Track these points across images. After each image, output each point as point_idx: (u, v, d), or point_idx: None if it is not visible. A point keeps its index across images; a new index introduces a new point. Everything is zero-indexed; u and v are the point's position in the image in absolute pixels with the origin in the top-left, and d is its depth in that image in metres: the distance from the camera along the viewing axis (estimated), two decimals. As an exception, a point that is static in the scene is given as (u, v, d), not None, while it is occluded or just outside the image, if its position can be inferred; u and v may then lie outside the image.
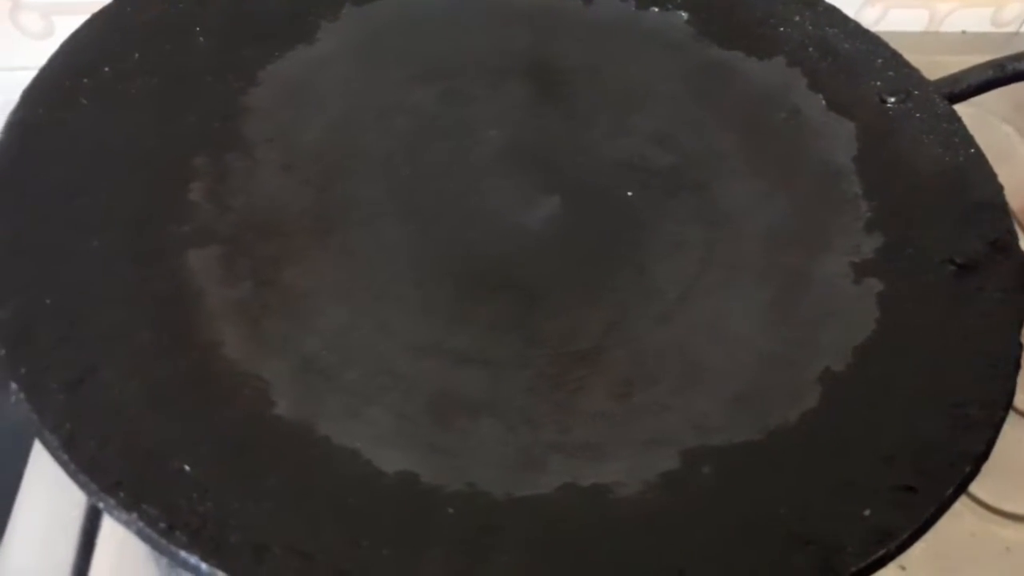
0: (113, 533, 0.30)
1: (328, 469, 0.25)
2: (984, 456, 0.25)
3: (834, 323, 0.30)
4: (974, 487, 0.26)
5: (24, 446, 0.34)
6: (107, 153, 0.30)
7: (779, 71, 0.38)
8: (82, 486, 0.22)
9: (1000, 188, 0.33)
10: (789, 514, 0.24)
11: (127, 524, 0.21)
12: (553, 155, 0.35)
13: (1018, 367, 0.28)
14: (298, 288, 0.29)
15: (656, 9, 0.40)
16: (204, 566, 0.21)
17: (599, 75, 0.38)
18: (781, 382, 0.28)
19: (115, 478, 0.22)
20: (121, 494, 0.22)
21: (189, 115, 0.32)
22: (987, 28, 0.54)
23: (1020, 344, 0.28)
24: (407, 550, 0.23)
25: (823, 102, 0.37)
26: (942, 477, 0.25)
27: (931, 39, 0.53)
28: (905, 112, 0.36)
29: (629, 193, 0.34)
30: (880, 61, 0.38)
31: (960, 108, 0.36)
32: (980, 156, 0.34)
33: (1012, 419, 0.27)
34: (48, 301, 0.26)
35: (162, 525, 0.22)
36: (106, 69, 0.32)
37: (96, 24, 0.33)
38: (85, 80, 0.32)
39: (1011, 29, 0.54)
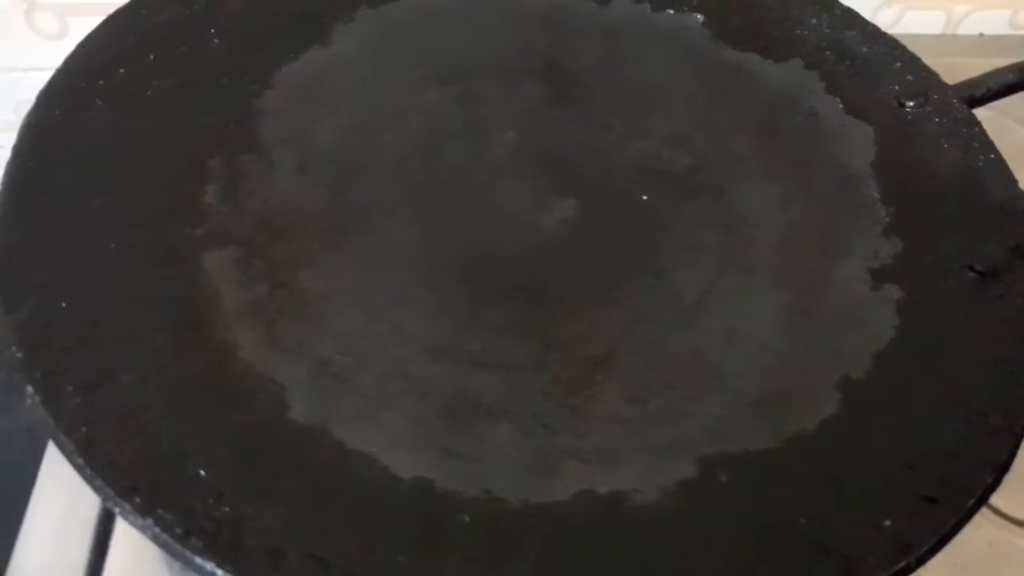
0: (127, 534, 0.30)
1: (344, 474, 0.24)
2: (1006, 466, 0.25)
3: (853, 329, 0.30)
4: (993, 496, 0.26)
5: (37, 447, 0.34)
6: (122, 155, 0.30)
7: (796, 74, 0.38)
8: (98, 491, 0.22)
9: (1020, 194, 0.33)
10: (809, 523, 0.24)
11: (143, 530, 0.21)
12: (568, 157, 0.35)
13: (1040, 375, 0.27)
14: (313, 290, 0.29)
15: (672, 11, 0.40)
16: (220, 572, 0.21)
17: (614, 77, 0.38)
18: (799, 389, 0.28)
19: (131, 483, 0.22)
20: (137, 499, 0.22)
21: (204, 117, 0.32)
22: (1005, 30, 0.53)
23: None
24: (423, 557, 0.23)
25: (840, 105, 0.37)
26: (963, 487, 0.25)
27: (948, 41, 0.52)
28: (924, 116, 0.36)
29: (645, 196, 0.34)
30: (898, 65, 0.37)
31: (979, 112, 0.36)
32: (1000, 161, 0.34)
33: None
34: (64, 304, 0.26)
35: (178, 531, 0.22)
36: (121, 71, 0.32)
37: (111, 26, 0.33)
38: (101, 82, 0.32)
39: (1029, 32, 0.54)
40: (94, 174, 0.29)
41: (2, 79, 0.46)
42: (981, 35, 0.53)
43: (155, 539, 0.21)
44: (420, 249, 0.31)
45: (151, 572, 0.30)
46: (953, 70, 0.38)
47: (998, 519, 0.35)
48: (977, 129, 0.35)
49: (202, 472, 0.23)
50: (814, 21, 0.39)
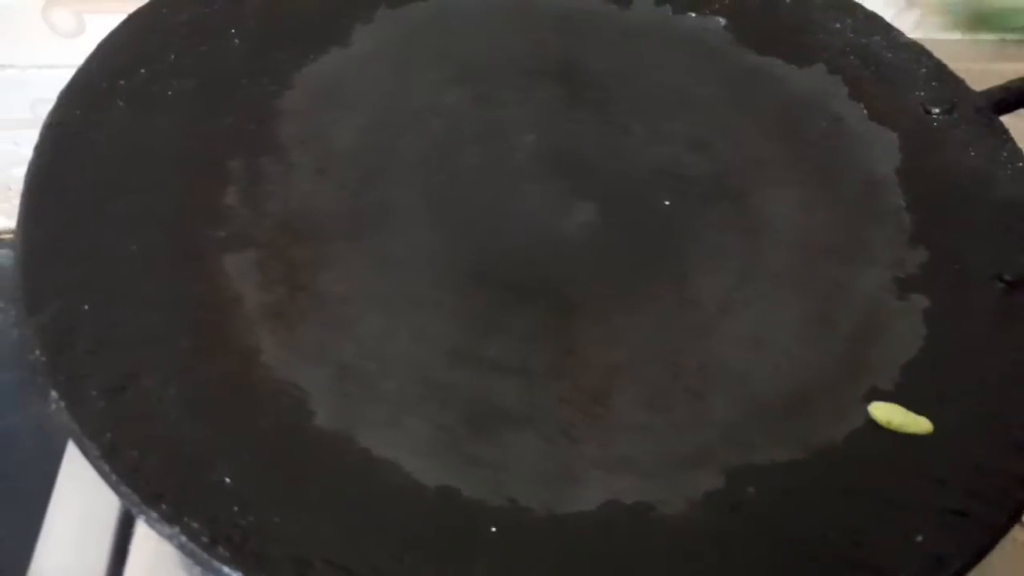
0: (147, 538, 0.30)
1: (369, 481, 0.24)
2: (1039, 480, 0.25)
3: (880, 339, 0.29)
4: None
5: (52, 444, 0.34)
6: (143, 155, 0.30)
7: (819, 79, 0.38)
8: (123, 497, 0.22)
9: (1049, 203, 0.33)
10: (838, 537, 0.24)
11: (169, 538, 0.21)
12: (589, 160, 0.35)
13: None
14: (334, 294, 0.29)
15: (693, 14, 0.39)
16: (245, 581, 0.21)
17: (635, 80, 0.37)
18: (826, 399, 0.28)
19: (157, 489, 0.22)
20: (163, 506, 0.22)
21: (224, 117, 0.32)
22: (1025, 35, 0.53)
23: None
24: (450, 567, 0.23)
25: (864, 111, 0.36)
26: (995, 502, 0.24)
27: (968, 46, 0.52)
28: (950, 123, 0.36)
29: (667, 201, 0.34)
30: (923, 71, 0.37)
31: (1006, 119, 0.36)
32: (1028, 169, 0.34)
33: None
34: (86, 306, 0.26)
35: (204, 539, 0.21)
36: (142, 71, 0.32)
37: (132, 26, 0.33)
38: (121, 82, 0.31)
39: (1050, 37, 0.53)
40: (115, 175, 0.29)
41: (18, 76, 0.46)
42: (1003, 40, 0.52)
43: (181, 547, 0.21)
44: (440, 252, 0.31)
45: (169, 576, 0.30)
46: (974, 75, 0.38)
47: None
48: (1004, 137, 0.35)
49: (227, 479, 0.23)
50: (837, 26, 0.39)
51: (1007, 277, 0.30)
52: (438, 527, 0.24)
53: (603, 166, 0.35)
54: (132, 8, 0.34)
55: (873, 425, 0.27)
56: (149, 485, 0.22)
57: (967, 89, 0.36)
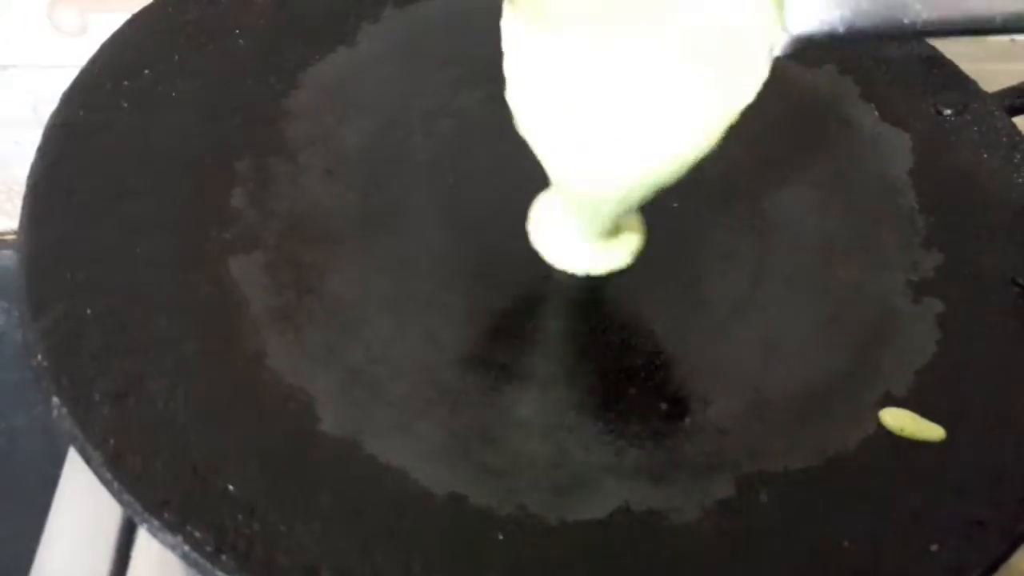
0: (150, 542, 0.29)
1: (377, 489, 0.24)
2: (1057, 488, 0.24)
3: (893, 344, 0.29)
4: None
5: (55, 445, 0.33)
6: (148, 157, 0.30)
7: (830, 79, 0.37)
8: (126, 505, 0.21)
9: (1064, 206, 0.32)
10: (853, 546, 0.23)
11: (172, 547, 0.21)
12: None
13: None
14: (342, 297, 0.28)
15: (703, 14, 0.39)
16: (252, 591, 0.21)
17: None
18: (839, 405, 0.27)
19: (161, 497, 0.22)
20: (166, 514, 0.21)
21: (230, 118, 0.32)
22: (1036, 36, 0.52)
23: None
24: (459, 575, 0.22)
25: (876, 112, 0.36)
26: (1012, 510, 0.24)
27: (979, 46, 0.51)
28: (962, 125, 0.35)
29: (675, 204, 0.33)
30: (936, 72, 0.37)
31: (1019, 121, 0.35)
32: (1042, 172, 0.33)
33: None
34: (90, 310, 0.25)
35: (208, 548, 0.21)
36: (147, 71, 0.32)
37: (136, 25, 0.33)
38: (125, 82, 0.31)
39: (1061, 37, 0.53)
40: (120, 176, 0.29)
41: (21, 75, 0.46)
42: (1012, 40, 0.52)
43: (184, 557, 0.21)
44: (450, 254, 0.31)
45: (173, 582, 0.30)
46: (984, 75, 0.37)
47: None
48: (1018, 138, 0.34)
49: (232, 486, 0.23)
50: (848, 25, 0.39)
51: (1021, 281, 0.30)
52: (447, 534, 0.23)
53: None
54: (136, 8, 0.34)
55: (887, 432, 0.27)
56: (153, 493, 0.22)
57: (979, 90, 0.36)
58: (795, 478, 0.25)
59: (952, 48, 0.38)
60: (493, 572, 0.23)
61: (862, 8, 0.24)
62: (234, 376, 0.25)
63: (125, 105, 0.31)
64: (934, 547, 0.23)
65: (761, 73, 0.26)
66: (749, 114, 0.36)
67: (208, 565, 0.21)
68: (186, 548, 0.21)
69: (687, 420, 0.27)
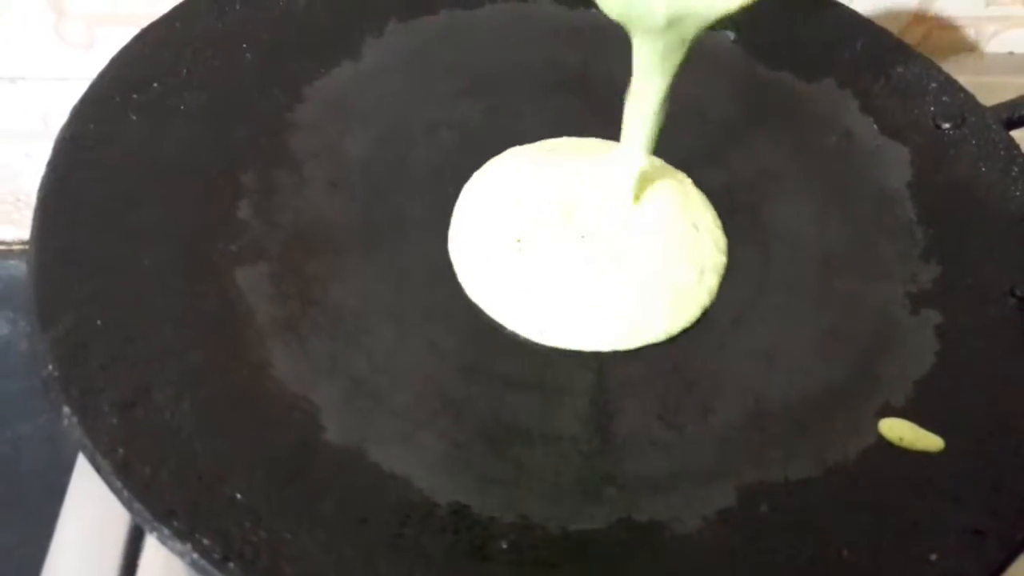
0: (157, 550, 0.30)
1: (380, 498, 0.24)
2: (1055, 498, 0.25)
3: (892, 355, 0.29)
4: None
5: (60, 453, 0.34)
6: (156, 169, 0.30)
7: (829, 93, 0.38)
8: (135, 514, 0.22)
9: (1061, 218, 0.32)
10: (853, 556, 0.24)
11: (181, 554, 0.21)
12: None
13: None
14: (346, 307, 0.29)
15: (703, 28, 0.39)
16: (259, 598, 0.21)
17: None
18: (839, 415, 0.28)
19: (169, 506, 0.22)
20: (175, 523, 0.22)
21: (237, 131, 0.32)
22: (1034, 49, 0.53)
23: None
24: (462, 584, 0.23)
25: (875, 126, 0.36)
26: (1011, 520, 0.24)
27: (977, 60, 0.52)
28: (960, 138, 0.35)
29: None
30: (934, 85, 0.37)
31: (1016, 134, 0.36)
32: (1039, 184, 0.33)
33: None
34: (99, 321, 0.26)
35: (216, 556, 0.21)
36: (155, 84, 0.32)
37: (145, 39, 0.33)
38: (134, 95, 0.31)
39: (1059, 50, 0.53)
40: (128, 188, 0.29)
41: (29, 88, 0.47)
42: (1011, 54, 0.52)
43: (193, 564, 0.21)
44: (452, 264, 0.31)
45: (179, 589, 0.30)
46: (982, 89, 0.38)
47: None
48: (1016, 152, 0.34)
49: (239, 495, 0.23)
50: (847, 40, 0.39)
51: (1019, 292, 0.30)
52: (451, 545, 0.23)
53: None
54: (143, 22, 0.34)
55: (886, 442, 0.27)
56: (161, 501, 0.22)
57: (977, 103, 0.36)
58: (795, 488, 0.26)
59: (951, 62, 0.39)
60: (496, 580, 0.23)
61: None
62: (240, 386, 0.26)
63: (134, 118, 0.31)
64: (933, 556, 0.23)
65: None
66: (749, 127, 0.37)
67: (216, 572, 0.21)
68: (195, 556, 0.21)
69: (688, 430, 0.27)
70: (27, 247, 0.27)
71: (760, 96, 0.38)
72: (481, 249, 0.30)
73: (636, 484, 0.26)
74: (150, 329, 0.26)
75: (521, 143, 0.35)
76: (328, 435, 0.25)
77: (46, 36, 0.45)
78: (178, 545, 0.21)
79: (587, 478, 0.26)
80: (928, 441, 0.27)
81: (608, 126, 0.36)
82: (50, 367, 0.24)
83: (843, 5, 0.40)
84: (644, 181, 0.32)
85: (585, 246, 0.30)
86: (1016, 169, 0.34)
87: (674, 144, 0.35)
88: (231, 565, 0.21)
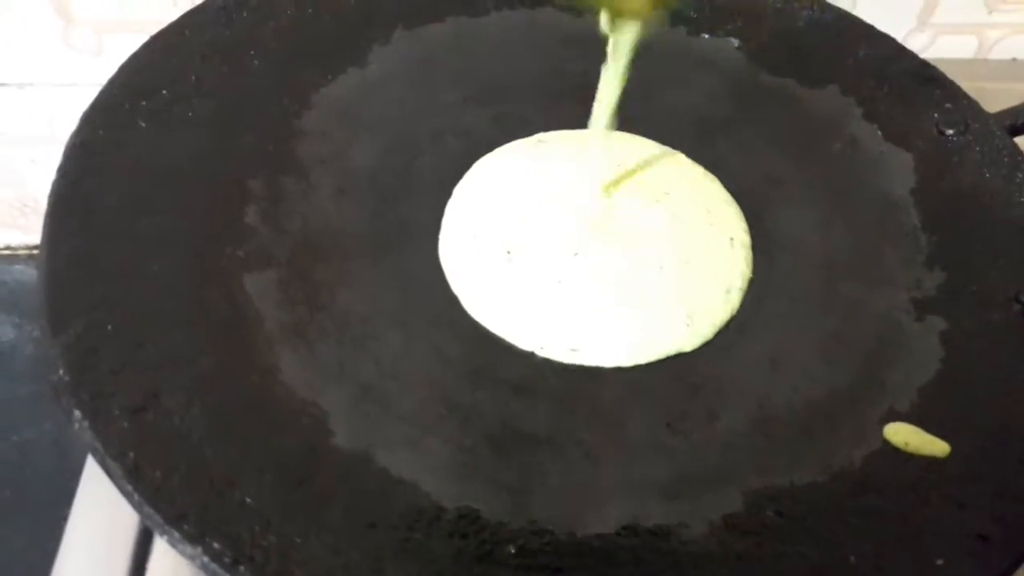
0: (166, 554, 0.30)
1: (388, 502, 0.24)
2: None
3: (897, 361, 0.29)
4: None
5: (67, 458, 0.34)
6: (165, 176, 0.30)
7: (833, 99, 0.38)
8: (146, 518, 0.22)
9: (1065, 224, 0.33)
10: (859, 562, 0.24)
11: (191, 558, 0.21)
12: (605, 180, 0.35)
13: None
14: (354, 313, 0.29)
15: (707, 35, 0.40)
16: (269, 602, 0.21)
17: (650, 100, 0.37)
18: (844, 421, 0.28)
19: (180, 510, 0.22)
20: (186, 527, 0.22)
21: (245, 137, 0.32)
22: (1037, 55, 0.53)
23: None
24: (470, 589, 0.23)
25: (879, 132, 0.37)
26: (1016, 525, 0.24)
27: (980, 66, 0.52)
28: (964, 144, 0.36)
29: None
30: (938, 92, 0.37)
31: (1020, 141, 0.36)
32: (1043, 191, 0.34)
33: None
34: (110, 326, 0.26)
35: (226, 559, 0.21)
36: (164, 92, 0.32)
37: (154, 47, 0.34)
38: (143, 103, 0.32)
39: (1061, 57, 0.53)
40: (137, 195, 0.30)
41: (36, 94, 0.47)
42: (1014, 60, 0.52)
43: (203, 568, 0.21)
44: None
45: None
46: (985, 95, 0.38)
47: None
48: (1020, 158, 0.35)
49: (248, 499, 0.23)
50: (851, 46, 0.39)
51: (1023, 298, 0.30)
52: (459, 549, 0.24)
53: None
54: (151, 29, 0.34)
55: (891, 447, 0.27)
56: (172, 505, 0.22)
57: (980, 110, 0.36)
58: (801, 493, 0.26)
59: (954, 67, 0.39)
60: (504, 585, 0.23)
61: None
62: (248, 391, 0.26)
63: (143, 125, 0.31)
64: (939, 561, 0.24)
65: None
66: (754, 133, 0.37)
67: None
68: (205, 559, 0.21)
69: (694, 436, 0.27)
70: (33, 252, 0.27)
71: (764, 103, 0.38)
72: (472, 263, 0.30)
73: (643, 490, 0.26)
74: (160, 334, 0.26)
75: (527, 150, 0.35)
76: (336, 440, 0.26)
77: (54, 42, 0.45)
78: (189, 549, 0.21)
79: (594, 484, 0.26)
80: (933, 446, 0.27)
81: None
82: (61, 372, 0.24)
83: (847, 12, 0.40)
84: (670, 180, 0.32)
85: (581, 261, 0.30)
86: (1020, 175, 0.34)
87: (678, 150, 0.36)
88: (241, 569, 0.21)
